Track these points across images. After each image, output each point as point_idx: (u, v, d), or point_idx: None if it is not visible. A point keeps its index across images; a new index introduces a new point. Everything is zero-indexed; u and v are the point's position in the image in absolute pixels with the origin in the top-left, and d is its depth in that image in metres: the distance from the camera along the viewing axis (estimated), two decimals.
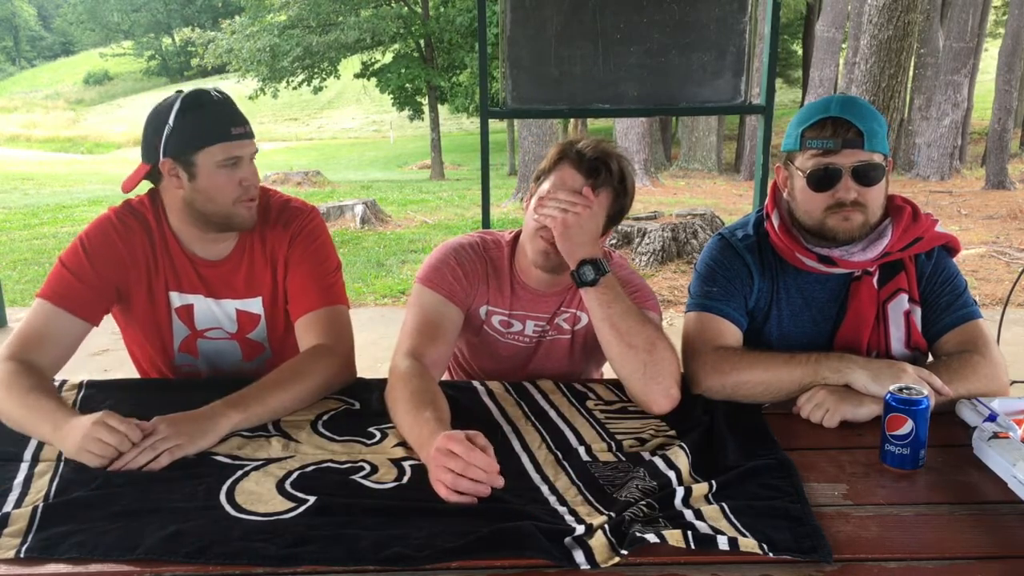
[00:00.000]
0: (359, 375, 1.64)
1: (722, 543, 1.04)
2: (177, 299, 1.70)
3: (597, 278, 1.48)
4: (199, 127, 1.54)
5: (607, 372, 1.74)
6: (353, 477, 1.24)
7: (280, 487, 1.21)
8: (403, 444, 1.35)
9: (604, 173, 1.52)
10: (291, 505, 1.16)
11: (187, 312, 1.72)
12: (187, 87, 1.66)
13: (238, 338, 1.76)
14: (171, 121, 1.53)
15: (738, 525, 1.08)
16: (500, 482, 1.16)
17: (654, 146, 15.83)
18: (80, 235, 1.65)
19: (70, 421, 1.31)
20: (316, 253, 1.70)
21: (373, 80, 19.48)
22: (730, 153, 18.32)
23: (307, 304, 1.66)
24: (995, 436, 1.27)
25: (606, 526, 1.07)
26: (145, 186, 1.67)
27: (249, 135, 1.59)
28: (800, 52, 21.74)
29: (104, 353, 3.86)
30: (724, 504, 1.13)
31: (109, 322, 1.76)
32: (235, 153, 1.56)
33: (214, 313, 1.72)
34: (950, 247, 1.63)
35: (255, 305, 1.73)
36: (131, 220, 1.66)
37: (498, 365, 1.78)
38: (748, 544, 1.03)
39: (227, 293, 1.71)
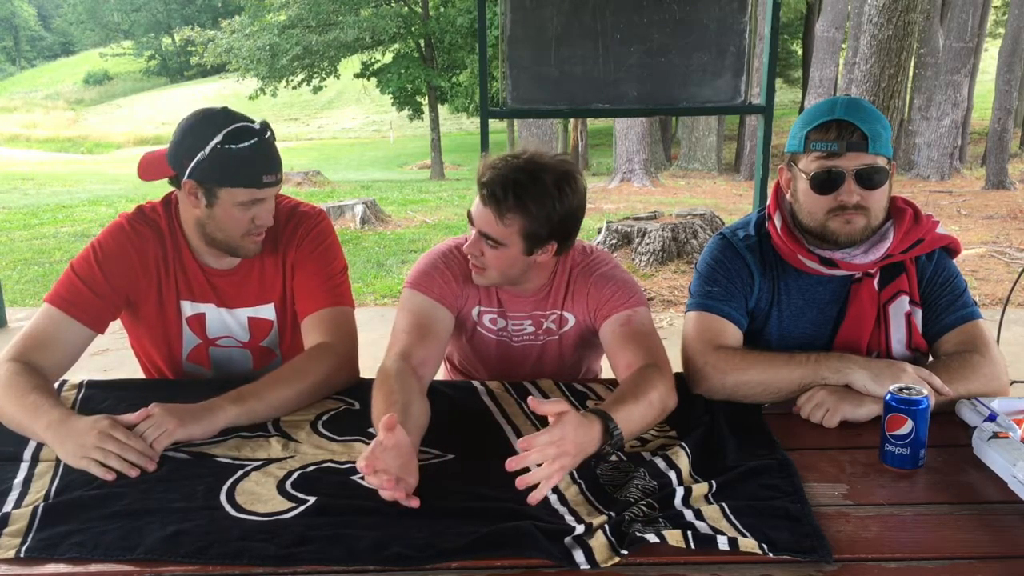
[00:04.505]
0: (360, 375, 1.64)
1: (722, 543, 1.04)
2: (189, 308, 1.70)
3: (617, 448, 1.29)
4: (231, 167, 1.51)
5: (606, 371, 1.74)
6: (353, 477, 1.24)
7: (280, 487, 1.21)
8: None
9: (503, 202, 1.49)
10: (291, 505, 1.16)
11: (198, 321, 1.71)
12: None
13: (250, 346, 1.76)
14: (207, 149, 1.49)
15: (738, 525, 1.08)
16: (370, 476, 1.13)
17: (654, 146, 15.82)
18: (93, 242, 1.64)
19: (67, 423, 1.31)
20: (323, 254, 1.70)
21: (373, 80, 19.49)
22: (730, 153, 18.31)
23: (313, 304, 1.66)
24: (995, 436, 1.27)
25: (606, 526, 1.07)
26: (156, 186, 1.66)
27: (278, 182, 1.58)
28: (800, 52, 21.72)
29: (104, 353, 3.86)
30: (724, 504, 1.13)
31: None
32: (258, 197, 1.55)
33: (226, 322, 1.72)
34: (951, 249, 1.63)
35: (267, 311, 1.73)
36: (144, 228, 1.65)
37: (492, 365, 1.79)
38: (748, 544, 1.03)
39: (238, 302, 1.71)
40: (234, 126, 1.51)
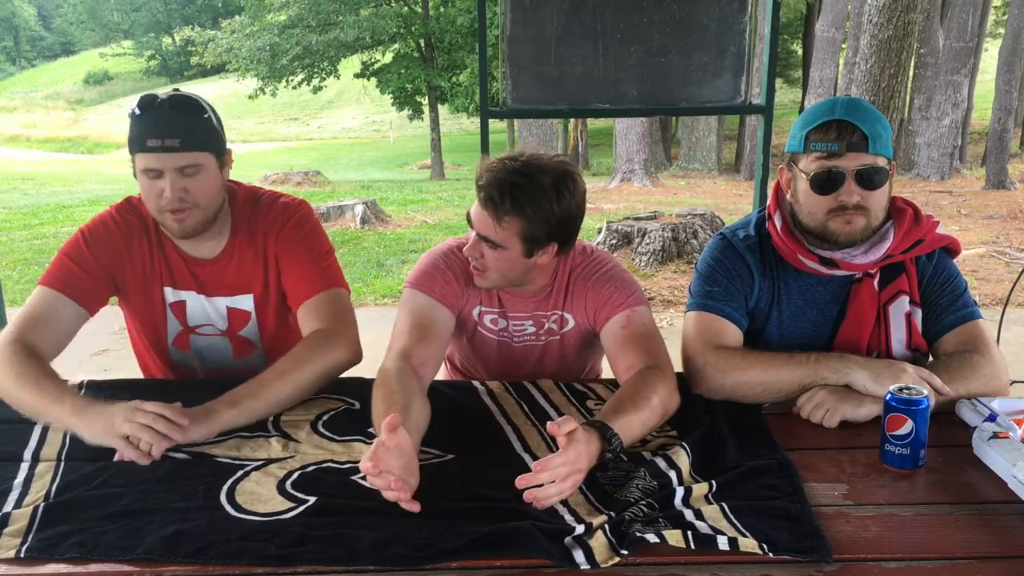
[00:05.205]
0: (359, 375, 1.64)
1: (722, 543, 1.04)
2: (171, 295, 1.72)
3: (618, 457, 1.28)
4: (131, 131, 1.54)
5: (606, 371, 1.74)
6: (353, 477, 1.24)
7: (280, 487, 1.21)
8: None
9: (500, 206, 1.49)
10: (291, 505, 1.16)
11: (180, 308, 1.73)
12: (187, 87, 1.67)
13: (228, 335, 1.77)
14: (128, 117, 1.55)
15: (738, 525, 1.08)
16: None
17: (654, 146, 15.82)
18: (81, 228, 1.68)
19: (94, 406, 1.36)
20: (305, 239, 1.71)
21: (373, 80, 19.48)
22: (730, 153, 18.31)
23: (304, 291, 1.67)
24: (995, 436, 1.27)
25: (606, 526, 1.08)
26: None
27: (172, 148, 1.52)
28: (800, 52, 21.71)
29: (104, 353, 3.86)
30: (724, 504, 1.13)
31: (109, 322, 1.77)
32: (152, 165, 1.53)
33: (205, 310, 1.74)
34: (951, 249, 1.63)
35: (246, 302, 1.74)
36: (130, 217, 1.69)
37: (493, 366, 1.79)
38: (748, 544, 1.03)
39: (218, 291, 1.72)
40: (144, 94, 1.56)
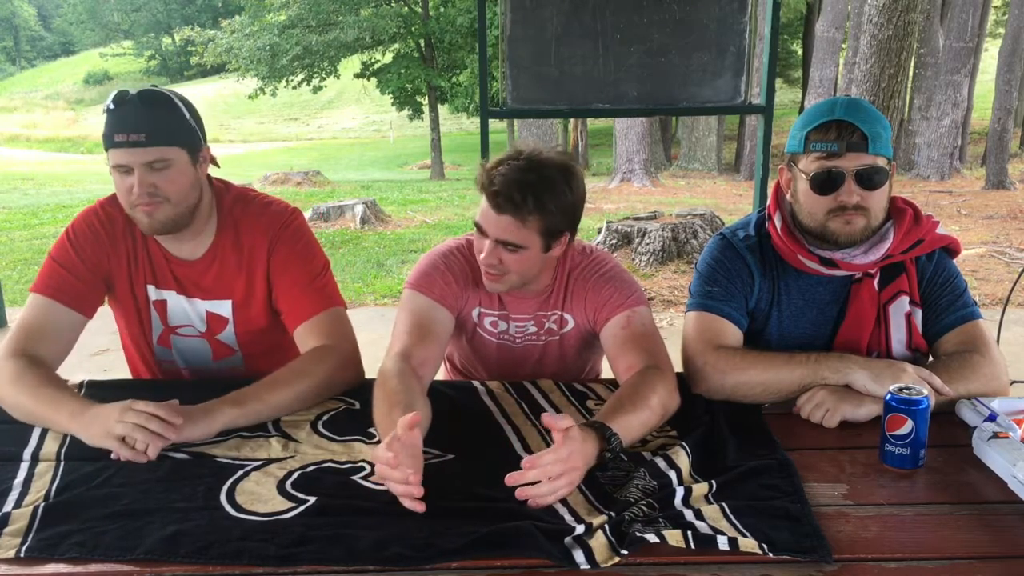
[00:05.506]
0: (364, 373, 1.64)
1: (722, 543, 1.04)
2: (153, 293, 1.71)
3: (618, 457, 1.28)
4: (104, 128, 1.53)
5: (606, 371, 1.74)
6: (353, 477, 1.24)
7: (280, 487, 1.21)
8: None
9: (523, 206, 1.47)
10: (291, 505, 1.16)
11: (162, 307, 1.72)
12: (186, 87, 1.65)
13: (207, 337, 1.76)
14: (103, 114, 1.54)
15: (738, 525, 1.08)
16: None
17: (654, 146, 15.82)
18: (67, 228, 1.67)
19: (90, 410, 1.35)
20: (300, 256, 1.68)
21: (373, 80, 19.49)
22: (730, 153, 18.31)
23: (303, 312, 1.65)
24: (995, 436, 1.27)
25: (606, 526, 1.08)
26: None
27: (139, 143, 1.50)
28: (800, 52, 21.72)
29: (104, 353, 3.86)
30: (724, 504, 1.13)
31: (108, 322, 1.77)
32: (120, 161, 1.52)
33: (185, 311, 1.72)
34: (951, 249, 1.63)
35: (224, 308, 1.72)
36: (115, 211, 1.67)
37: (492, 366, 1.79)
38: (748, 544, 1.03)
39: (198, 293, 1.71)
40: (116, 92, 1.54)
